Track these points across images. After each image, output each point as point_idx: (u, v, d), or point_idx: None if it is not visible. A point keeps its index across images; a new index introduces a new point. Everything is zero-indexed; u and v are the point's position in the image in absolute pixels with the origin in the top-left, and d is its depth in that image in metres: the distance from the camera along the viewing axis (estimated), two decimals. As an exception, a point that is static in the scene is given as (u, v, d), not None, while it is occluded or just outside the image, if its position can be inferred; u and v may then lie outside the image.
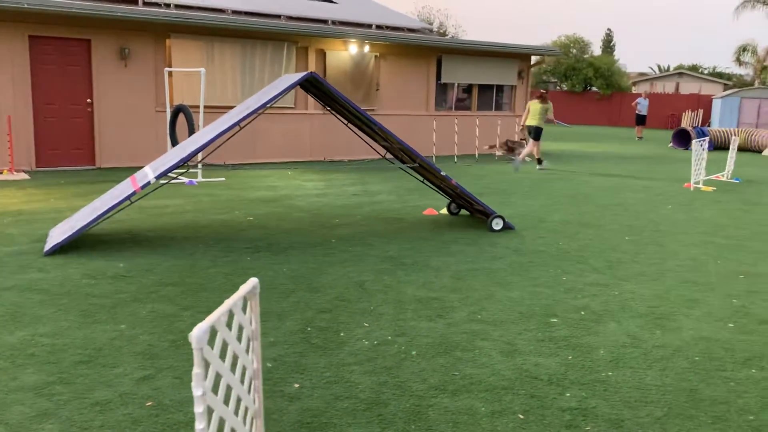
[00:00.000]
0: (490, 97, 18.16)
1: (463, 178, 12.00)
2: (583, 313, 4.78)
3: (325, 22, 15.98)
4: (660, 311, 4.85)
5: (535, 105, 14.05)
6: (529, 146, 14.38)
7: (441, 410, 3.27)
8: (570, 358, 3.96)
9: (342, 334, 4.26)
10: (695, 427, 3.17)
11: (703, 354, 4.06)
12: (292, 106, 14.68)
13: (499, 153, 17.06)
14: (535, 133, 14.09)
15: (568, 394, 3.47)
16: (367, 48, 15.46)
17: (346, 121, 8.23)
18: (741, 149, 19.66)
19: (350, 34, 15.05)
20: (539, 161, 14.21)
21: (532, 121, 14.04)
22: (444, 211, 8.73)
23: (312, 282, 5.38)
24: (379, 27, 17.04)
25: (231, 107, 11.62)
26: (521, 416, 3.22)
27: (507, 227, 7.65)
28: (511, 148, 16.62)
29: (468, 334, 4.30)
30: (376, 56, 15.68)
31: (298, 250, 6.42)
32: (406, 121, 16.10)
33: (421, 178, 8.66)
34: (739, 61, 36.09)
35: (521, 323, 4.53)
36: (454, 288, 5.32)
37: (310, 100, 14.54)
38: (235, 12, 14.84)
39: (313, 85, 7.44)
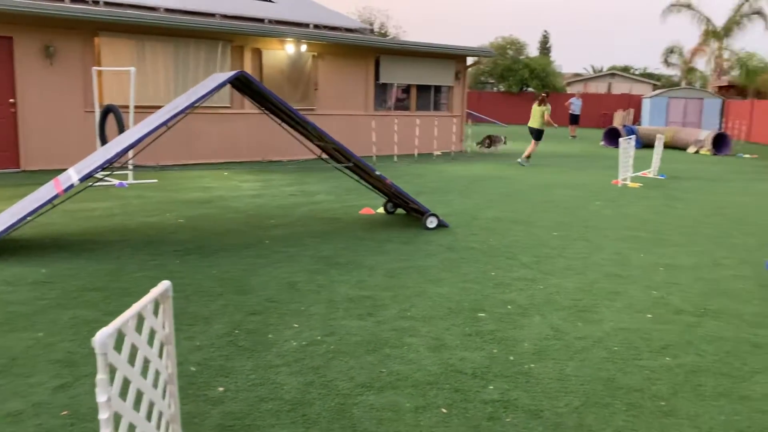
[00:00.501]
0: (429, 97, 18.36)
1: (402, 177, 12.09)
2: (509, 307, 4.89)
3: (261, 21, 15.83)
4: (583, 304, 5.01)
5: (534, 108, 15.18)
6: (531, 146, 15.34)
7: (366, 408, 3.28)
8: (495, 351, 4.04)
9: (271, 335, 4.23)
10: (610, 414, 3.29)
11: (622, 344, 4.22)
12: (229, 105, 14.46)
13: (437, 153, 17.26)
14: (536, 134, 15.28)
15: (491, 387, 3.54)
16: (304, 47, 15.38)
17: (279, 121, 8.16)
18: (668, 147, 20.50)
19: (287, 34, 14.94)
20: (527, 157, 15.32)
21: (532, 123, 15.30)
22: (381, 210, 8.77)
23: (242, 284, 5.31)
24: (316, 26, 17.00)
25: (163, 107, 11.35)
26: (444, 410, 3.27)
27: (441, 225, 7.75)
28: (490, 143, 18.35)
29: (397, 331, 4.34)
30: (314, 56, 15.62)
31: (229, 252, 6.33)
32: (346, 121, 16.10)
33: (358, 178, 8.67)
34: (666, 63, 37.59)
35: (450, 319, 4.60)
36: (386, 286, 5.35)
37: (246, 99, 14.35)
38: (167, 10, 14.51)
39: (245, 85, 7.35)
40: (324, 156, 8.58)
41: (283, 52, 15.13)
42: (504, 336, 4.30)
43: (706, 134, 20.48)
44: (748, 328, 4.57)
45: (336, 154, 7.99)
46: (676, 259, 6.48)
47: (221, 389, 3.44)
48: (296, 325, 4.41)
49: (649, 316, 4.78)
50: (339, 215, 8.47)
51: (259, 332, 4.28)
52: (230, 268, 5.75)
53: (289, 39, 14.99)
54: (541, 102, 15.15)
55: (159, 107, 11.81)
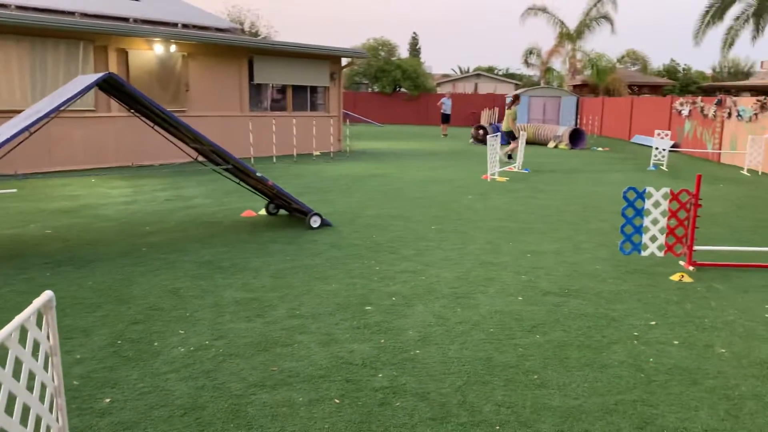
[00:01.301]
0: (305, 97, 18.38)
1: (282, 178, 12.06)
2: (394, 299, 5.09)
3: (126, 20, 15.12)
4: (461, 291, 5.33)
5: (507, 111, 16.05)
6: (512, 144, 15.89)
7: (260, 406, 3.33)
8: (383, 341, 4.22)
9: (156, 343, 4.14)
10: (490, 390, 3.56)
11: (497, 325, 4.55)
12: (93, 108, 13.70)
13: (316, 153, 17.33)
14: (507, 136, 16.09)
15: (380, 375, 3.71)
16: (173, 47, 14.87)
17: (152, 124, 7.90)
18: (530, 142, 21.88)
19: (153, 33, 14.39)
20: (509, 155, 15.97)
21: (504, 126, 16.12)
22: (263, 212, 8.73)
23: (121, 294, 5.13)
24: (185, 26, 16.50)
25: (20, 111, 10.57)
26: (337, 401, 3.40)
27: (325, 224, 7.86)
28: (481, 135, 18.50)
29: (287, 330, 4.40)
30: (183, 56, 15.15)
31: (104, 262, 6.06)
32: (220, 122, 15.77)
33: (238, 180, 8.57)
34: (527, 63, 39.95)
35: (338, 314, 4.73)
36: (273, 287, 5.38)
37: (114, 101, 13.66)
38: (19, 7, 13.50)
39: (113, 87, 7.05)
40: (201, 159, 8.40)
41: (150, 52, 14.55)
42: (390, 326, 4.49)
43: (563, 130, 22.06)
44: (606, 304, 5.07)
45: (213, 156, 7.87)
46: (542, 246, 7.02)
47: (108, 400, 3.35)
48: (182, 332, 4.35)
49: (520, 298, 5.17)
50: (219, 219, 8.34)
51: (143, 341, 4.17)
52: (107, 278, 5.52)
53: (156, 39, 14.44)
54: (510, 106, 16.08)
55: (14, 111, 11.01)
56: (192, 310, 4.79)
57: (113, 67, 13.91)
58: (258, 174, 7.39)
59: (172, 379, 3.61)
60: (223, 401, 3.37)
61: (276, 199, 8.38)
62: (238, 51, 16.34)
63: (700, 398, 3.50)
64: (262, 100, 17.46)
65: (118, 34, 13.83)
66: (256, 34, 41.00)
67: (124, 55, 14.16)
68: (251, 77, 16.74)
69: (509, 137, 16.06)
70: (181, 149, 8.12)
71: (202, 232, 7.52)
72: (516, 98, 16.96)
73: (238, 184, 8.58)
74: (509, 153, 15.94)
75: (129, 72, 14.13)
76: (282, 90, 17.90)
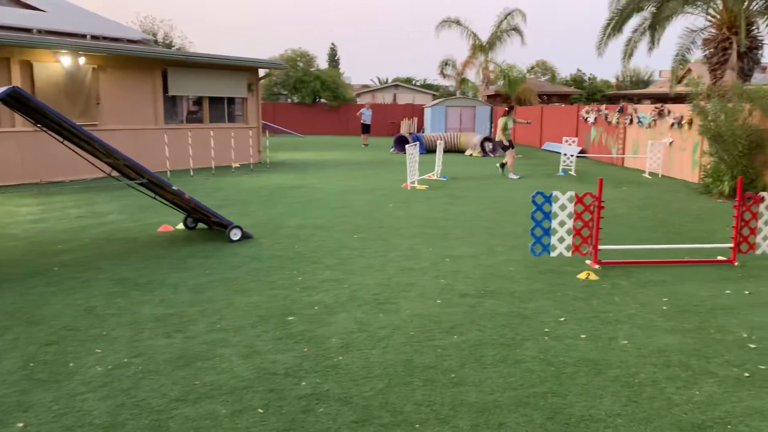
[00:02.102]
0: (223, 109, 18.13)
1: (200, 191, 11.86)
2: (317, 308, 5.16)
3: (29, 31, 14.45)
4: (383, 297, 5.45)
5: (499, 120, 15.41)
6: (508, 156, 15.45)
7: (182, 420, 3.32)
8: (305, 350, 4.27)
9: (71, 364, 4.03)
10: (410, 391, 3.69)
11: (417, 328, 4.70)
12: (-5, 123, 13.01)
13: (236, 165, 17.12)
14: (502, 145, 15.56)
15: (303, 383, 3.77)
16: (82, 59, 14.35)
17: (61, 139, 7.63)
18: (448, 151, 22.44)
19: (60, 45, 13.84)
20: (502, 165, 15.59)
21: (497, 136, 15.60)
22: (180, 226, 8.57)
23: (32, 315, 4.94)
24: (95, 37, 15.96)
25: None
26: (260, 410, 3.43)
27: (246, 236, 7.81)
28: (490, 147, 17.21)
29: (208, 344, 4.38)
30: (93, 68, 14.64)
31: (13, 283, 5.81)
32: (134, 135, 15.32)
33: (153, 195, 8.39)
34: (443, 74, 40.88)
35: (260, 326, 4.74)
36: (192, 302, 5.33)
37: (18, 116, 13.04)
38: None
39: (18, 101, 6.77)
40: (114, 173, 8.18)
41: (57, 64, 13.98)
42: (313, 335, 4.55)
43: (477, 138, 22.74)
44: (519, 303, 5.33)
45: (127, 170, 7.68)
46: (459, 250, 7.26)
47: (21, 425, 3.25)
48: (99, 351, 4.25)
49: (439, 301, 5.35)
50: (135, 235, 8.13)
51: (57, 362, 4.05)
52: (16, 300, 5.30)
53: (63, 51, 13.90)
54: (506, 114, 15.58)
55: None
56: (109, 328, 4.68)
57: (17, 80, 13.28)
58: (174, 188, 7.28)
59: (90, 399, 3.54)
60: (144, 418, 3.34)
61: (194, 212, 8.26)
62: (151, 63, 15.95)
63: (605, 387, 3.76)
64: (178, 112, 17.10)
65: (20, 45, 13.22)
66: (170, 46, 40.03)
67: (28, 67, 13.54)
68: (166, 89, 16.37)
69: (505, 147, 15.55)
70: (94, 164, 7.88)
71: (117, 249, 7.31)
72: (510, 109, 16.22)
73: (154, 198, 8.40)
74: (503, 164, 15.53)
75: (34, 85, 13.52)
76: (198, 102, 17.59)
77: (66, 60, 14.08)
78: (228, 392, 3.64)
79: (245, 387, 3.71)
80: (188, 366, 4.01)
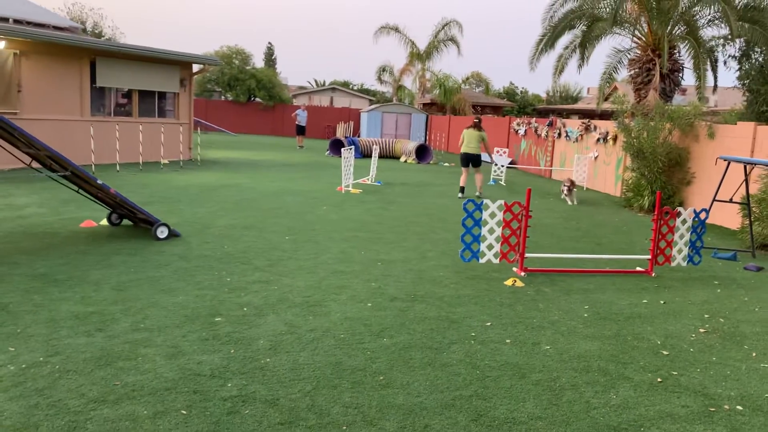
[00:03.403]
0: (153, 103, 17.61)
1: (127, 187, 11.47)
2: (245, 309, 5.08)
3: (-56, 9, 13.61)
4: (314, 299, 5.43)
5: (470, 132, 13.14)
6: (479, 179, 13.44)
7: (101, 421, 3.20)
8: (232, 351, 4.20)
9: (-19, 362, 3.81)
10: (338, 393, 3.68)
11: (348, 331, 4.70)
12: None
13: (165, 161, 16.65)
14: (475, 160, 13.21)
15: (229, 385, 3.70)
16: (2, 44, 13.63)
17: (-23, 126, 7.21)
18: (382, 156, 22.59)
19: (-21, 27, 13.09)
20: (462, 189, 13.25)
21: (469, 148, 13.10)
22: (104, 222, 8.26)
23: (-62, 310, 4.65)
24: (18, 21, 15.19)
25: None
26: (184, 412, 3.34)
27: (173, 235, 7.61)
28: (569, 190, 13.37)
29: (130, 344, 4.23)
30: (15, 54, 13.93)
31: None
32: (58, 126, 14.66)
33: (77, 188, 8.05)
34: (380, 80, 41.18)
35: (186, 326, 4.63)
36: (115, 300, 5.14)
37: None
38: None
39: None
40: (35, 164, 7.80)
41: (-25, 47, 13.23)
42: (241, 336, 4.48)
43: (412, 145, 23.01)
44: (447, 307, 5.41)
45: (49, 162, 7.34)
46: (391, 254, 7.31)
47: None
48: (12, 349, 4.04)
49: (370, 304, 5.37)
50: (56, 229, 7.78)
51: (-35, 361, 3.82)
52: None
53: (-18, 33, 13.16)
54: (477, 126, 13.19)
55: None
56: (24, 325, 4.45)
57: (-72, 60, 12.48)
58: (99, 182, 7.01)
59: (1, 399, 3.35)
60: (60, 419, 3.19)
61: (119, 208, 7.98)
62: (78, 51, 15.32)
63: (528, 390, 3.87)
64: (106, 104, 16.49)
65: (-66, 24, 12.44)
66: (99, 35, 38.55)
67: (-58, 48, 12.75)
68: (93, 80, 15.75)
69: (477, 162, 13.23)
70: (12, 154, 7.50)
71: (35, 243, 6.98)
72: (479, 121, 13.58)
73: (78, 192, 8.07)
74: (480, 191, 13.28)
75: (-52, 67, 12.74)
76: (128, 94, 17.02)
77: (-15, 43, 13.34)
78: (150, 393, 3.53)
79: (168, 388, 3.61)
80: (109, 366, 3.87)
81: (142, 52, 16.57)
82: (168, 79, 17.68)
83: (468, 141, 13.16)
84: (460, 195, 13.14)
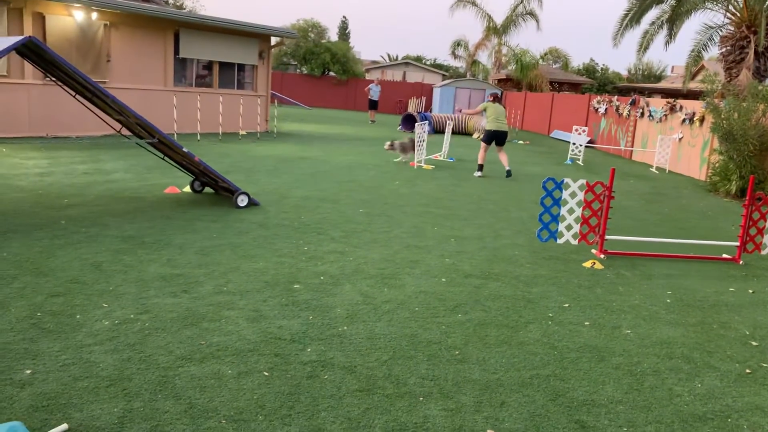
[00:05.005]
0: (232, 75, 18.00)
1: (207, 156, 11.82)
2: (322, 278, 5.17)
3: (42, -19, 14.27)
4: (388, 272, 5.46)
5: (499, 107, 12.31)
6: (504, 156, 12.51)
7: (188, 378, 3.34)
8: (311, 318, 4.29)
9: (78, 316, 4.05)
10: (414, 365, 3.71)
11: (422, 305, 4.71)
12: (5, 74, 12.93)
13: (243, 132, 17.05)
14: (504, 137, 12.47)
15: (309, 350, 3.79)
16: (95, 15, 14.22)
17: (74, 93, 7.58)
18: (455, 133, 22.35)
19: (74, -2, 13.69)
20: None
21: (504, 125, 12.31)
22: (187, 189, 8.57)
23: (39, 266, 4.96)
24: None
25: None
26: (266, 373, 3.45)
27: (252, 203, 7.80)
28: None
29: (214, 306, 4.39)
30: (105, 25, 14.51)
31: (20, 234, 5.81)
32: (143, 95, 15.24)
33: (162, 156, 8.37)
34: (454, 55, 40.57)
35: (266, 291, 4.76)
36: (199, 264, 5.34)
37: (28, 67, 12.95)
38: None
39: (33, 52, 6.72)
40: (124, 132, 8.14)
41: (70, 18, 13.85)
42: (318, 304, 4.57)
43: (485, 122, 22.62)
44: (523, 287, 5.34)
45: (138, 129, 7.64)
46: (464, 231, 7.26)
47: (28, 372, 3.27)
48: (106, 305, 4.27)
49: (444, 280, 5.36)
50: (142, 194, 8.12)
51: (64, 314, 4.07)
52: (23, 251, 5.31)
53: (76, 4, 13.75)
54: (500, 101, 12.46)
55: None
56: (115, 284, 4.69)
57: (29, 31, 13.17)
58: (184, 149, 7.25)
59: (97, 352, 3.56)
60: (150, 373, 3.36)
61: (202, 176, 8.24)
62: (163, 23, 15.81)
63: (607, 374, 3.78)
64: (188, 75, 16.97)
65: (34, -4, 13.09)
66: (181, 7, 39.64)
67: (40, 19, 13.42)
68: (177, 51, 16.24)
69: (503, 141, 12.43)
70: (104, 120, 7.84)
71: (123, 207, 7.31)
72: (500, 95, 12.31)
73: (162, 159, 8.38)
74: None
75: (46, 37, 13.41)
76: (208, 66, 17.46)
77: (79, 14, 13.95)
78: (234, 354, 3.67)
79: (251, 350, 3.73)
80: (194, 326, 4.03)
81: (223, 24, 16.93)
82: (247, 51, 18.01)
83: (498, 116, 12.15)
84: (479, 173, 12.17)
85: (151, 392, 3.16)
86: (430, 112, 31.78)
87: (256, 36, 18.13)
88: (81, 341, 3.68)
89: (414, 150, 12.70)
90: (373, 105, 28.34)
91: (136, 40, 15.27)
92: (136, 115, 6.91)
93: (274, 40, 19.51)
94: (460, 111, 12.52)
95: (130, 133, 8.14)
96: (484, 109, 12.36)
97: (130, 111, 6.86)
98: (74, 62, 13.44)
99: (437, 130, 22.22)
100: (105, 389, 3.16)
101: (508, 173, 12.27)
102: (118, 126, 7.98)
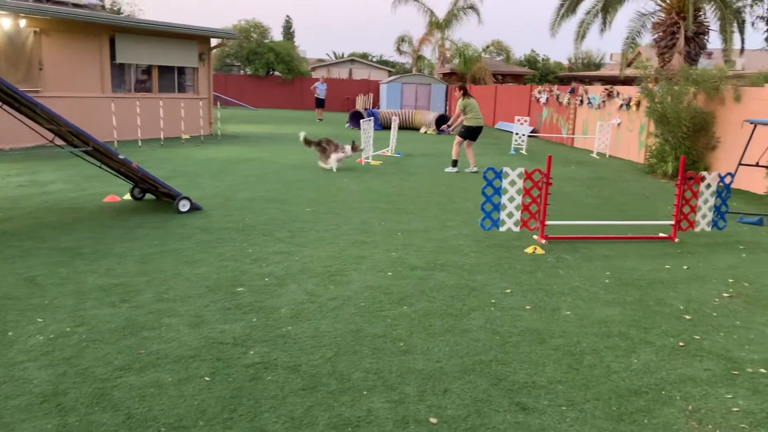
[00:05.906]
0: (172, 78, 17.65)
1: (149, 162, 11.57)
2: (267, 279, 5.13)
3: (-36, -11, 13.69)
4: (334, 269, 5.46)
5: (474, 102, 12.09)
6: (471, 153, 12.29)
7: (127, 388, 3.27)
8: (254, 320, 4.26)
9: (11, 333, 3.91)
10: (359, 359, 3.72)
11: (368, 300, 4.73)
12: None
13: (185, 137, 16.74)
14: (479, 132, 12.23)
15: (251, 352, 3.76)
16: (23, 22, 13.72)
17: (0, 103, 7.30)
18: (402, 128, 22.45)
19: (-1, 6, 13.18)
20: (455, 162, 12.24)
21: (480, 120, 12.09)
22: (127, 196, 8.37)
23: (-31, 283, 4.77)
24: (37, 0, 15.25)
25: None
26: (207, 378, 3.41)
27: (195, 208, 7.68)
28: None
29: (154, 314, 4.31)
30: (36, 32, 14.02)
31: (-52, 251, 5.58)
32: (79, 103, 14.79)
33: (99, 164, 8.15)
34: (399, 51, 40.71)
35: (208, 296, 4.69)
36: (139, 272, 5.22)
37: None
38: None
39: (-48, 62, 6.44)
40: (57, 141, 7.89)
41: (-4, 26, 13.33)
42: (262, 306, 4.53)
43: (432, 116, 22.81)
44: (467, 275, 5.41)
45: (71, 137, 7.42)
46: (411, 225, 7.31)
47: (-44, 394, 3.15)
48: (40, 320, 4.14)
49: (390, 273, 5.39)
50: (80, 204, 7.90)
51: (-5, 332, 3.93)
52: (-49, 269, 5.10)
53: (2, 12, 13.24)
54: (464, 94, 12.08)
55: None
56: (51, 297, 4.56)
57: (-49, 40, 12.62)
58: (121, 156, 7.08)
59: (30, 368, 3.45)
60: (87, 386, 3.28)
61: (141, 183, 8.06)
62: (97, 28, 15.37)
63: (547, 355, 3.87)
64: (126, 80, 16.57)
65: (-44, 4, 12.55)
66: (118, 12, 38.60)
67: (-36, 28, 12.88)
68: (113, 56, 15.82)
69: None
70: (36, 131, 7.59)
71: (61, 218, 7.10)
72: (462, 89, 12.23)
73: (100, 167, 8.16)
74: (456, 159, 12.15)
75: (-30, 47, 12.88)
76: (147, 70, 17.07)
77: (5, 22, 13.44)
78: (174, 361, 3.61)
79: (192, 356, 3.67)
80: (134, 335, 3.95)
81: (160, 28, 16.58)
82: (187, 54, 17.69)
83: (476, 111, 11.96)
84: (455, 169, 12.00)
85: (87, 406, 3.09)
86: (378, 108, 31.81)
87: (195, 38, 17.83)
88: (12, 358, 3.56)
89: (334, 151, 11.72)
90: (320, 103, 28.24)
91: (69, 47, 14.81)
92: (68, 123, 6.71)
93: (214, 42, 19.20)
94: (449, 126, 11.92)
95: (63, 143, 7.90)
96: (463, 109, 11.98)
97: (61, 119, 6.65)
98: (3, 72, 12.96)
99: (384, 125, 22.26)
100: (38, 406, 3.07)
101: (475, 171, 11.89)
102: (50, 136, 7.72)
